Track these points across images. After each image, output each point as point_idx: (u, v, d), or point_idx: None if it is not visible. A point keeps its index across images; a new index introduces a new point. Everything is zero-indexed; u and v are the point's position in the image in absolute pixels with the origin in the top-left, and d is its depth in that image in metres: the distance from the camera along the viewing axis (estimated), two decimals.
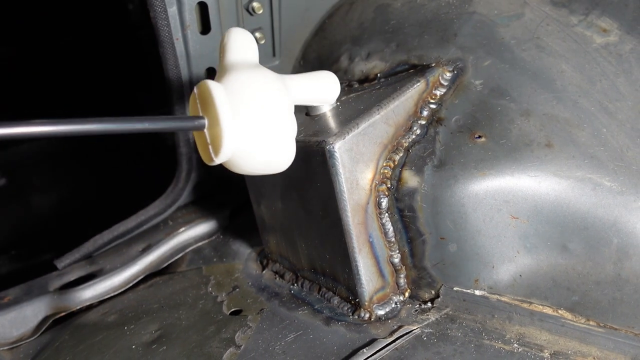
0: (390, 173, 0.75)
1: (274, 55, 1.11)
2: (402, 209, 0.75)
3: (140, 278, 1.06)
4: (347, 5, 1.08)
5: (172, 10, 0.91)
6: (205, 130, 0.55)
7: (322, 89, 0.70)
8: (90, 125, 0.48)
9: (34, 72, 1.89)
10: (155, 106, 1.86)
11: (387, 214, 0.76)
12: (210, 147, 0.55)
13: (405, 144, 0.77)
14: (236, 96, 0.55)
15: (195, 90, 0.56)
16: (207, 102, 0.54)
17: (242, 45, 0.61)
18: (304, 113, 0.83)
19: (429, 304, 0.76)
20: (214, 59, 1.00)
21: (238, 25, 1.01)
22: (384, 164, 0.75)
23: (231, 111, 0.54)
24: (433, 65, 0.81)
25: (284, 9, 1.06)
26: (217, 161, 0.56)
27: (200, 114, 0.55)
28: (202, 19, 0.96)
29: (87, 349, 0.85)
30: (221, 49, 0.61)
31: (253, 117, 0.55)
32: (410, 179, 0.74)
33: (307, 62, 1.12)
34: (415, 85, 0.77)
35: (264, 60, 1.11)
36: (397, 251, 0.77)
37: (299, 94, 0.65)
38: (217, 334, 0.81)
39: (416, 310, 0.76)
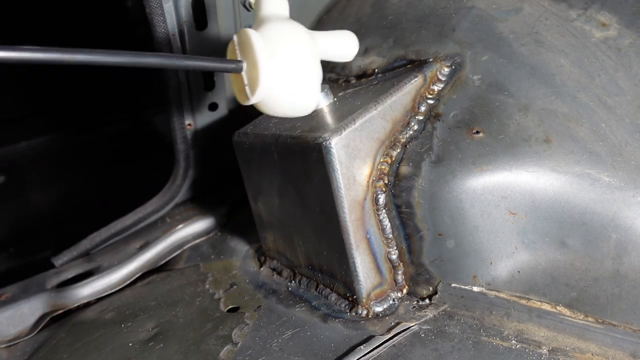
0: (387, 169, 0.75)
1: None
2: (400, 205, 0.74)
3: (137, 275, 1.06)
4: (344, 0, 1.08)
5: (168, 6, 0.90)
6: (243, 72, 0.62)
7: (343, 45, 0.76)
8: (116, 58, 0.54)
9: (34, 69, 1.89)
10: (156, 103, 1.86)
11: (384, 210, 0.75)
12: (247, 87, 0.62)
13: (403, 140, 0.76)
14: (271, 43, 0.62)
15: (234, 37, 0.64)
16: (246, 47, 0.61)
17: (274, 1, 0.68)
18: None
19: (427, 301, 0.75)
20: (211, 54, 1.00)
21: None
22: (381, 160, 0.75)
23: (268, 56, 0.61)
24: (431, 60, 0.80)
25: None
26: (253, 100, 0.62)
27: (239, 59, 0.62)
28: (198, 15, 0.95)
29: (84, 347, 0.85)
30: (256, 4, 0.69)
31: (286, 62, 0.62)
32: (408, 175, 0.74)
33: None
34: (412, 81, 0.77)
35: None
36: (395, 247, 0.76)
37: (324, 48, 0.72)
38: (214, 331, 0.81)
39: (414, 307, 0.75)
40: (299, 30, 0.65)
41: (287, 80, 0.62)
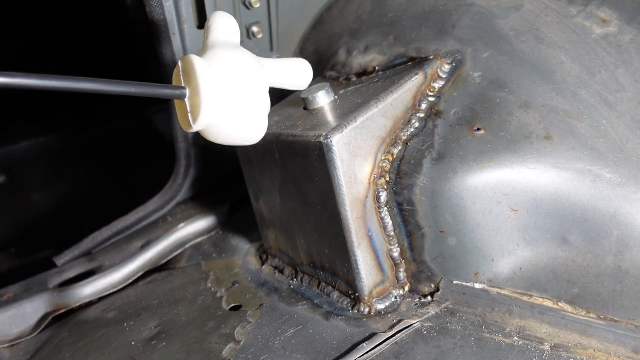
0: (389, 167, 0.75)
1: (271, 49, 1.10)
2: (401, 202, 0.74)
3: (139, 274, 1.06)
4: None
5: (169, 5, 0.90)
6: (186, 99, 0.60)
7: (295, 74, 0.73)
8: (78, 84, 0.53)
9: (42, 66, 1.89)
10: (154, 102, 1.86)
11: (386, 208, 0.75)
12: (189, 115, 0.60)
13: (404, 138, 0.76)
14: (216, 70, 0.60)
15: (179, 63, 0.61)
16: (189, 74, 0.59)
17: (225, 27, 0.65)
18: (302, 107, 0.83)
19: (429, 298, 0.75)
20: None
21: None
22: (383, 158, 0.75)
23: (211, 83, 0.59)
24: (431, 57, 0.80)
25: (281, 3, 1.05)
26: (195, 128, 0.60)
27: (183, 85, 0.60)
28: (199, 14, 0.95)
29: (87, 346, 0.85)
30: (206, 30, 0.66)
31: (230, 91, 0.60)
32: (409, 173, 0.74)
33: (305, 56, 1.11)
34: (413, 78, 0.77)
35: (261, 55, 1.10)
36: (397, 245, 0.76)
37: (274, 77, 0.69)
38: (217, 329, 0.81)
39: (416, 304, 0.76)
40: (247, 58, 0.63)
41: (231, 109, 0.60)
